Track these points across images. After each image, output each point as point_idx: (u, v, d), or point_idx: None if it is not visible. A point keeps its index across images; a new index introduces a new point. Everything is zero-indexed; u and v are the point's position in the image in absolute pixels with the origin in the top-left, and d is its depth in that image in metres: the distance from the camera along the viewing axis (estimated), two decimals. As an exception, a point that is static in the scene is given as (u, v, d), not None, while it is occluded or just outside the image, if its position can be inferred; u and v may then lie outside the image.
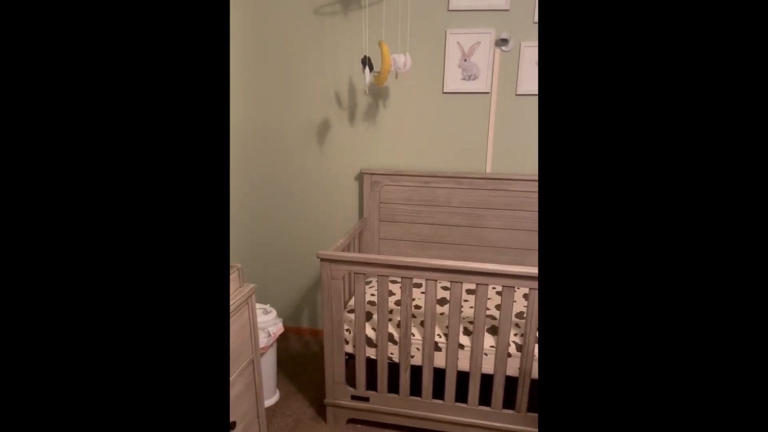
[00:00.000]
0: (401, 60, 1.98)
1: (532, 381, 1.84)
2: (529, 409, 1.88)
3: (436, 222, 2.47)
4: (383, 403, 1.98)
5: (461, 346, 1.87)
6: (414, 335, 1.92)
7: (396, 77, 2.09)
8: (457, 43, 2.24)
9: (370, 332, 1.95)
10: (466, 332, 1.91)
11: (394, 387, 1.98)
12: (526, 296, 2.25)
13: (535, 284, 1.70)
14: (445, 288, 2.33)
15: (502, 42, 2.21)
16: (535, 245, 2.39)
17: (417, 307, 2.12)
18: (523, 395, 1.86)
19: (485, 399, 1.91)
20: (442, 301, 2.17)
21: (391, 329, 1.94)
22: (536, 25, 2.18)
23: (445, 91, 2.32)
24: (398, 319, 1.93)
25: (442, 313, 2.04)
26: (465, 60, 2.26)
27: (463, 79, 2.29)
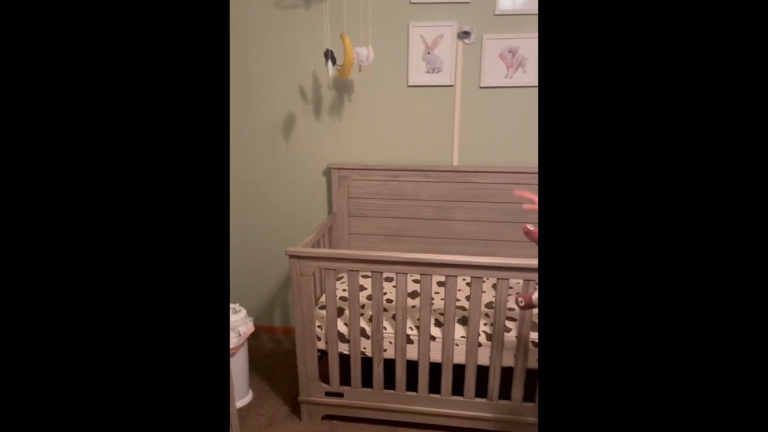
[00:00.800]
0: (364, 53, 1.97)
1: (503, 369, 1.86)
2: (501, 397, 1.90)
3: (406, 216, 2.47)
4: (358, 398, 1.98)
5: (433, 338, 1.88)
6: (386, 329, 1.92)
7: (359, 70, 2.07)
8: (420, 36, 2.24)
9: (342, 328, 1.94)
10: (438, 324, 1.92)
11: (367, 381, 1.98)
12: (495, 286, 2.28)
13: (503, 274, 1.72)
14: (416, 281, 2.34)
15: (464, 35, 2.22)
16: (503, 236, 2.42)
17: (389, 300, 2.12)
18: (494, 383, 1.88)
19: (458, 389, 1.92)
20: (414, 294, 2.18)
21: (363, 324, 1.94)
22: (497, 18, 2.19)
23: (409, 84, 2.32)
24: (370, 313, 1.93)
25: (413, 306, 2.05)
26: (428, 53, 2.26)
27: (427, 72, 2.29)
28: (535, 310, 1.44)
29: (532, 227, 1.33)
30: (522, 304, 1.38)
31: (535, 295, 1.37)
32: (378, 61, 2.29)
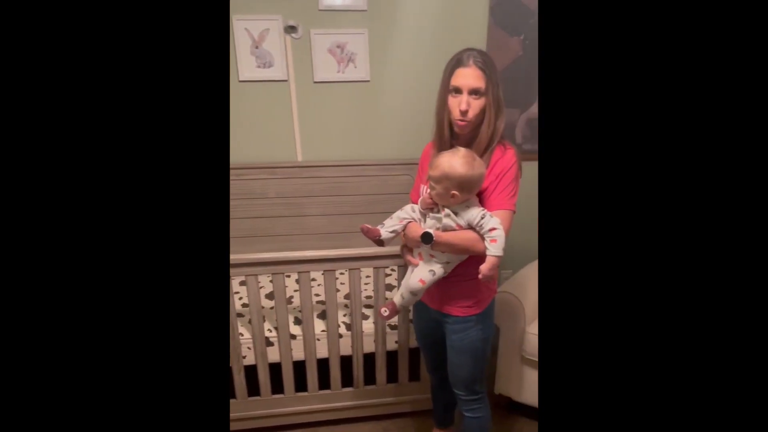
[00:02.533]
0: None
1: (365, 356, 1.91)
2: (366, 383, 1.95)
3: (256, 215, 2.39)
4: (221, 413, 1.88)
5: (293, 337, 1.86)
6: (243, 335, 1.85)
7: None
8: (245, 29, 2.17)
9: (194, 343, 1.82)
10: (297, 322, 1.90)
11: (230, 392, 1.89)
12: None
13: (354, 264, 1.75)
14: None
15: (290, 29, 2.19)
16: (356, 228, 2.45)
17: (244, 305, 2.04)
18: (358, 371, 1.92)
19: (324, 383, 1.93)
20: (272, 295, 2.12)
21: (218, 335, 1.84)
22: (322, 13, 2.20)
23: (240, 79, 2.24)
24: (224, 322, 1.83)
25: (272, 308, 1.99)
26: (256, 47, 2.20)
27: (258, 66, 2.23)
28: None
29: (371, 226, 1.36)
30: (386, 314, 1.38)
31: (397, 299, 1.39)
32: (205, 58, 2.17)
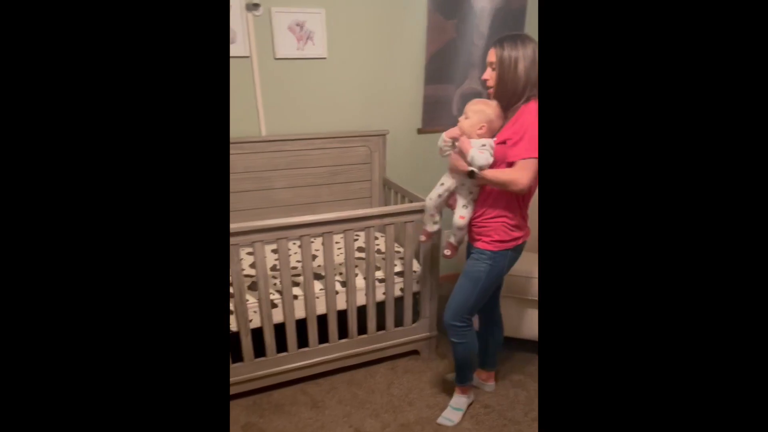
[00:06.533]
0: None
1: (358, 309, 2.11)
2: (359, 333, 2.16)
3: (218, 193, 2.41)
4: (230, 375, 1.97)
5: (295, 297, 1.99)
6: (248, 300, 1.94)
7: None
8: (219, 7, 2.18)
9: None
10: (295, 284, 2.03)
11: (237, 356, 1.97)
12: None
13: (349, 226, 1.93)
14: (274, 251, 2.31)
15: (252, 7, 2.25)
16: (321, 198, 2.61)
17: (248, 276, 2.10)
18: (352, 323, 2.12)
19: (323, 337, 2.09)
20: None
21: (224, 302, 1.90)
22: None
23: (212, 57, 2.25)
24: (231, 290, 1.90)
25: (274, 276, 2.10)
26: (229, 24, 2.23)
27: (230, 43, 2.26)
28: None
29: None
30: (449, 254, 1.78)
31: (452, 239, 1.75)
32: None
